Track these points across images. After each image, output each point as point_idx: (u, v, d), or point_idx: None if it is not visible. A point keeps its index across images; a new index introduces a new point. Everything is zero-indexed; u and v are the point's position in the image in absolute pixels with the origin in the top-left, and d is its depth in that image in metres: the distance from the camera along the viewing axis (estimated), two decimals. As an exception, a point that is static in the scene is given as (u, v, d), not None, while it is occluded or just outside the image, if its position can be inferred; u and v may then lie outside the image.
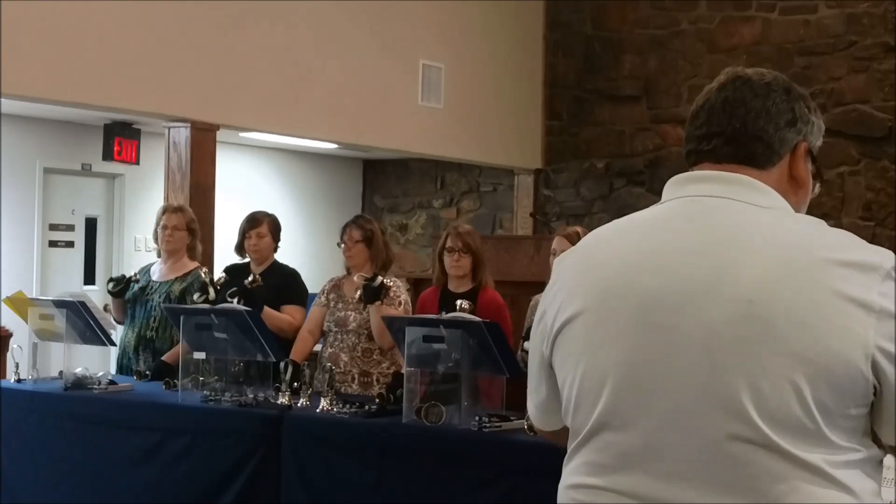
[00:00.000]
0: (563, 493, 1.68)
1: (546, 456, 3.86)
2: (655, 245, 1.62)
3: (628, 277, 1.61)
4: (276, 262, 5.75)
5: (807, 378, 1.47)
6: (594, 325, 1.62)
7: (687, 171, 1.72)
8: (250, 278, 5.26)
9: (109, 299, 5.80)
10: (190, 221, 5.70)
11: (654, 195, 11.20)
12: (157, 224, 5.71)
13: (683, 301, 1.55)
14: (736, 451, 1.49)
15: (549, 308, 1.71)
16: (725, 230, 1.58)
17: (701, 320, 1.52)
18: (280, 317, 5.40)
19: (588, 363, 1.62)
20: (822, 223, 1.60)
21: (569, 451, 1.68)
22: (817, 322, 1.48)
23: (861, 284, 1.49)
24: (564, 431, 1.74)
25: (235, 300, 5.07)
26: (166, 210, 5.79)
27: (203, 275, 5.34)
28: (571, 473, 1.66)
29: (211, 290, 5.17)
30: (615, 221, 1.74)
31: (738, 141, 1.66)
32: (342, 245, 5.30)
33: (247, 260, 5.74)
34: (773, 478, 1.48)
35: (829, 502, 1.48)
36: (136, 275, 5.69)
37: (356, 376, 5.12)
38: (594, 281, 1.64)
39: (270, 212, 5.87)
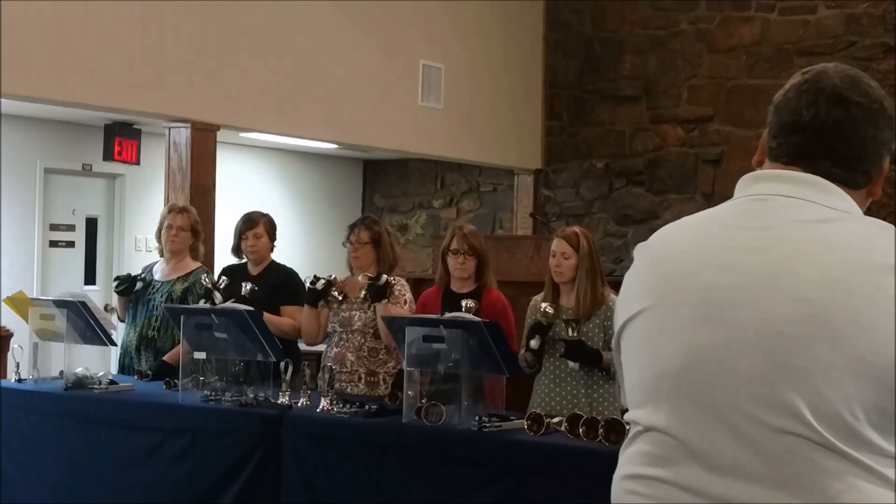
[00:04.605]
0: (618, 483, 1.69)
1: (546, 456, 3.87)
2: (718, 242, 1.64)
3: (690, 273, 1.63)
4: (273, 262, 5.74)
5: (864, 379, 1.47)
6: (656, 320, 1.65)
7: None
8: (247, 288, 5.25)
9: (111, 299, 5.80)
10: (194, 222, 5.72)
11: (654, 195, 11.22)
12: (161, 224, 5.72)
13: (742, 298, 1.56)
14: (790, 448, 1.49)
15: (619, 302, 1.76)
16: (789, 229, 1.59)
17: (759, 317, 1.54)
18: (281, 321, 5.39)
19: (648, 356, 1.65)
20: (891, 228, 1.59)
21: (626, 440, 1.70)
22: (877, 324, 1.47)
23: None
24: None
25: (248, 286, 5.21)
26: (171, 210, 5.79)
27: (205, 280, 5.33)
28: (627, 463, 1.68)
29: (218, 295, 5.17)
30: (684, 218, 1.76)
31: (844, 166, 1.66)
32: (348, 245, 5.29)
33: (244, 261, 5.73)
34: (828, 475, 1.48)
35: (885, 503, 1.48)
36: (141, 274, 5.69)
37: (363, 376, 5.13)
38: (658, 276, 1.68)
39: (266, 212, 5.86)
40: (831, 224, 1.59)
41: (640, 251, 1.77)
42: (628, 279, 1.75)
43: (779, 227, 1.60)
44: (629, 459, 1.67)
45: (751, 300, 1.55)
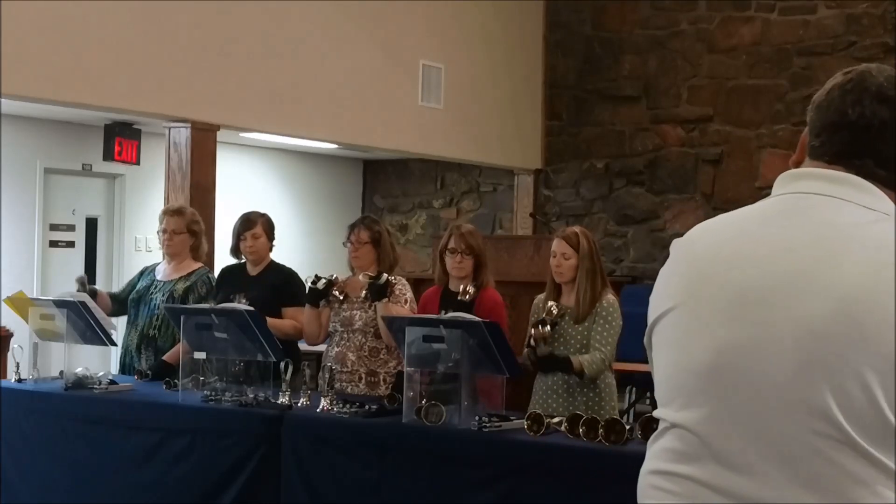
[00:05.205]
0: (643, 478, 1.69)
1: (546, 456, 3.87)
2: (751, 240, 1.63)
3: (721, 272, 1.62)
4: (273, 263, 5.72)
5: (894, 380, 1.45)
6: (686, 318, 1.64)
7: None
8: (240, 302, 5.26)
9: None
10: (191, 223, 5.69)
11: (654, 195, 11.19)
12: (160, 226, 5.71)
13: (774, 296, 1.55)
14: (816, 448, 1.48)
15: (652, 299, 1.74)
16: (822, 228, 1.58)
17: (790, 316, 1.52)
18: (282, 324, 5.38)
19: (676, 353, 1.65)
20: None
21: (654, 435, 1.70)
22: None
23: None
24: None
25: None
26: (165, 213, 5.77)
27: (198, 290, 5.30)
28: (652, 458, 1.68)
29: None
30: (721, 215, 1.75)
31: (887, 166, 1.64)
32: (348, 245, 5.29)
33: (243, 261, 5.72)
34: (854, 479, 1.47)
35: None
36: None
37: (363, 376, 5.12)
38: (690, 274, 1.67)
39: (264, 212, 5.85)
40: (867, 225, 1.57)
41: (675, 248, 1.76)
42: (661, 276, 1.75)
43: (813, 227, 1.59)
44: (655, 455, 1.67)
45: (782, 300, 1.54)
